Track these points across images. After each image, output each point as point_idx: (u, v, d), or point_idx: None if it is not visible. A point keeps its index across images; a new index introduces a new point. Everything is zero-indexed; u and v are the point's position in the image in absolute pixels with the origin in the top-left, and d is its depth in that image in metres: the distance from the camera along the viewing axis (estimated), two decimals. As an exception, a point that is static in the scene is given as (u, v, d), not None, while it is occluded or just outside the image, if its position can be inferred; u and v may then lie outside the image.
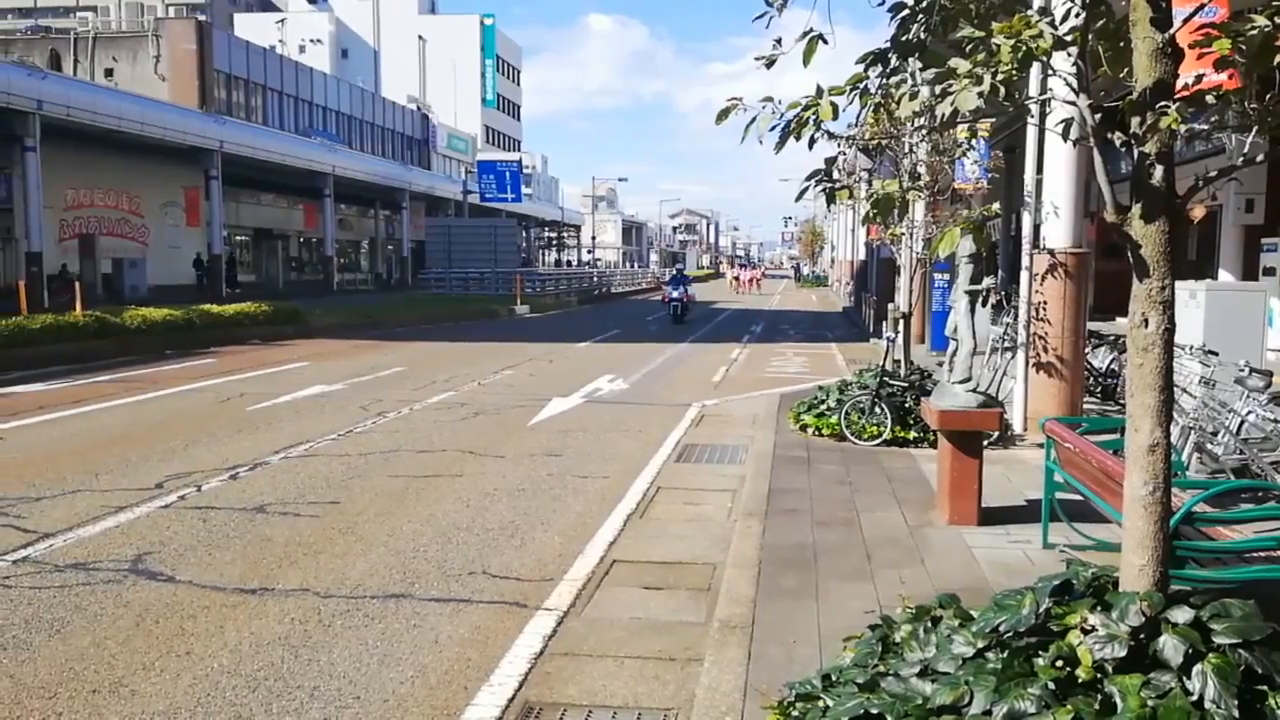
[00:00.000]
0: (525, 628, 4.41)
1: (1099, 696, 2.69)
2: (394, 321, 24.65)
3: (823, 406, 9.09)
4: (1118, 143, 2.90)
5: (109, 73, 38.31)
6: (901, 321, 10.26)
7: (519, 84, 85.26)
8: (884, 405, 8.47)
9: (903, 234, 10.06)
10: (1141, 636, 2.78)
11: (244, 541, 5.68)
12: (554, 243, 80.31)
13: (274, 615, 4.53)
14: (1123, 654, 2.75)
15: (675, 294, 27.11)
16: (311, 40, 65.32)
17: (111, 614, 4.51)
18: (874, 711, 2.85)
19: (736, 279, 59.65)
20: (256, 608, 4.63)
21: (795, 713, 3.08)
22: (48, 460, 7.78)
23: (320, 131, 46.17)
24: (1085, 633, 2.84)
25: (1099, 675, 2.75)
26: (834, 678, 3.17)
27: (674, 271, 30.09)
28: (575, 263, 78.09)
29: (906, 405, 8.55)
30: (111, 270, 30.88)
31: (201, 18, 47.07)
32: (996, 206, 9.35)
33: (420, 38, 65.92)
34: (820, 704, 3.04)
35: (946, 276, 14.91)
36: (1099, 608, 2.92)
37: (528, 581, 5.08)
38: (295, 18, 67.48)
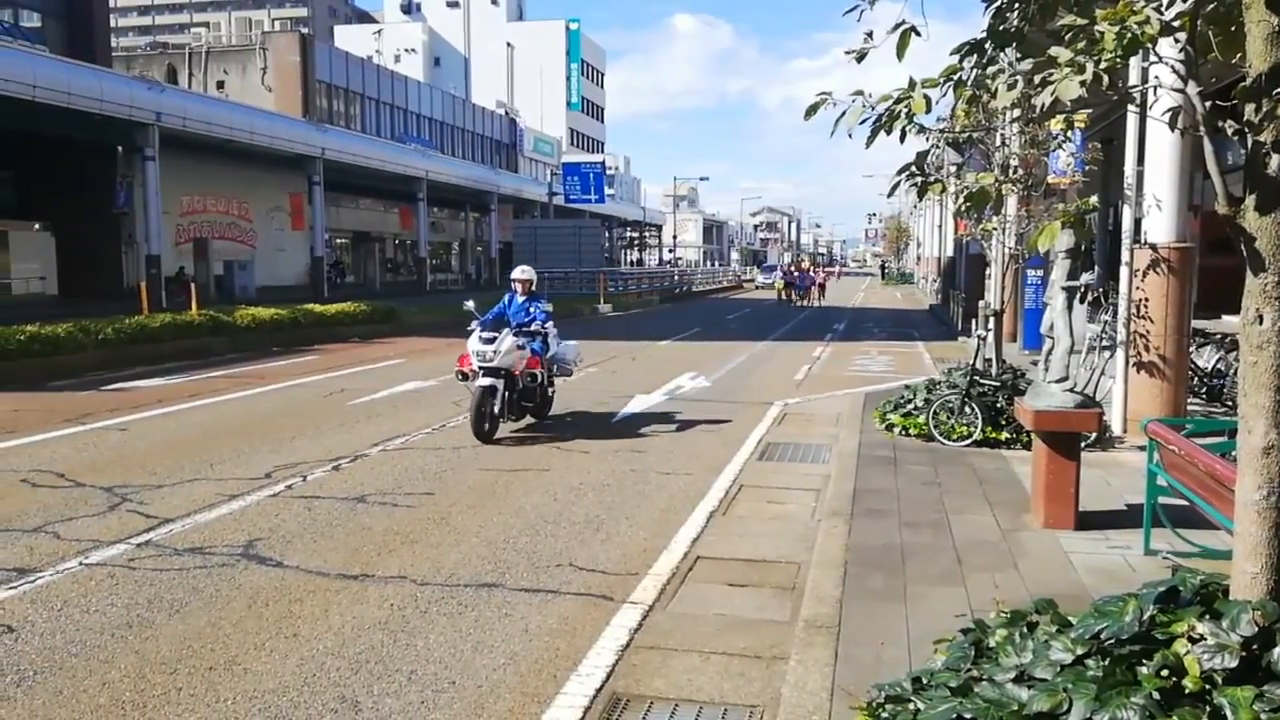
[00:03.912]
0: (611, 620, 4.48)
1: (1207, 708, 2.59)
2: (483, 320, 25.15)
3: (910, 406, 8.92)
4: (1230, 132, 2.79)
5: (220, 84, 40.29)
6: (992, 319, 9.99)
7: (603, 87, 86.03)
8: (974, 405, 8.26)
9: (994, 229, 9.79)
10: (1254, 647, 2.67)
11: (346, 530, 5.93)
12: (636, 242, 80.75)
13: (374, 601, 4.73)
14: (1234, 665, 2.64)
15: (486, 346, 8.73)
16: (406, 50, 67.38)
17: (226, 596, 4.77)
18: (967, 716, 2.80)
19: (789, 289, 38.97)
20: (358, 593, 4.83)
21: (885, 715, 3.05)
22: (167, 450, 8.26)
23: (414, 137, 47.58)
24: (1193, 642, 2.74)
25: (1207, 686, 2.65)
26: (925, 681, 3.12)
27: (501, 305, 9.69)
28: (657, 262, 78.31)
29: (998, 405, 8.33)
30: (223, 272, 32.49)
31: (304, 31, 49.15)
32: (1094, 200, 9.02)
33: (508, 44, 67.19)
34: (911, 707, 3.00)
35: (1040, 273, 14.42)
36: (1208, 616, 2.81)
37: (613, 575, 5.15)
38: (391, 28, 69.77)
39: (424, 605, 4.67)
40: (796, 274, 40.81)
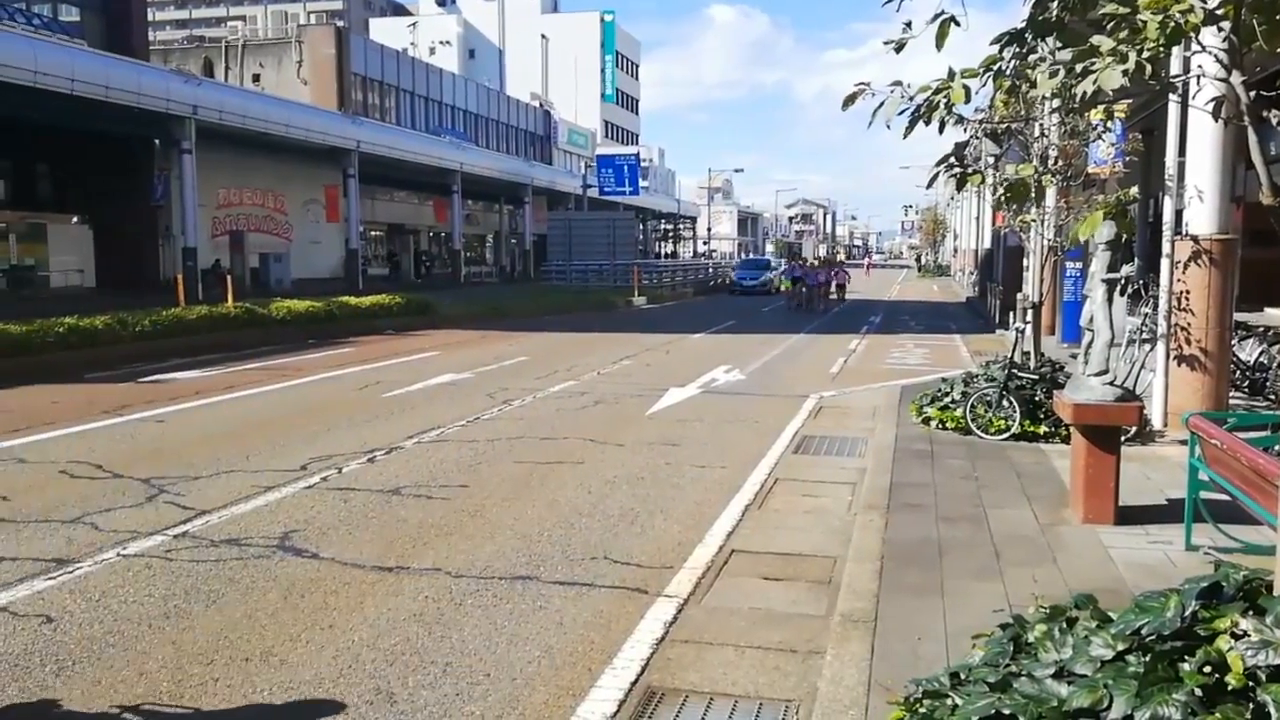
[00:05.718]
0: (646, 613, 4.49)
1: (1250, 705, 2.55)
2: (517, 312, 25.33)
3: (946, 399, 8.84)
4: (1274, 121, 2.73)
5: (256, 78, 40.77)
6: (1031, 311, 9.85)
7: (637, 78, 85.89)
8: (1012, 398, 8.16)
9: (1033, 220, 9.65)
10: (1299, 645, 2.62)
11: (381, 522, 6.00)
12: (670, 234, 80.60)
13: (409, 593, 4.78)
14: (1277, 662, 2.59)
15: None
16: (441, 42, 67.72)
17: (261, 587, 4.85)
18: (1006, 712, 2.78)
19: (798, 281, 31.08)
20: (393, 585, 4.89)
21: (922, 710, 3.03)
22: (204, 442, 8.40)
23: (449, 130, 47.80)
24: (1236, 638, 2.70)
25: (1250, 683, 2.60)
26: (963, 676, 3.10)
27: None
28: (691, 254, 78.16)
29: (1036, 398, 8.22)
30: (258, 264, 32.94)
31: (340, 23, 49.47)
32: (1134, 191, 8.87)
33: (543, 36, 67.26)
34: (949, 702, 2.98)
35: (1079, 265, 14.20)
36: (1251, 612, 2.76)
37: (648, 568, 5.16)
38: (426, 21, 70.17)
39: (458, 598, 4.72)
40: (814, 269, 33.37)
